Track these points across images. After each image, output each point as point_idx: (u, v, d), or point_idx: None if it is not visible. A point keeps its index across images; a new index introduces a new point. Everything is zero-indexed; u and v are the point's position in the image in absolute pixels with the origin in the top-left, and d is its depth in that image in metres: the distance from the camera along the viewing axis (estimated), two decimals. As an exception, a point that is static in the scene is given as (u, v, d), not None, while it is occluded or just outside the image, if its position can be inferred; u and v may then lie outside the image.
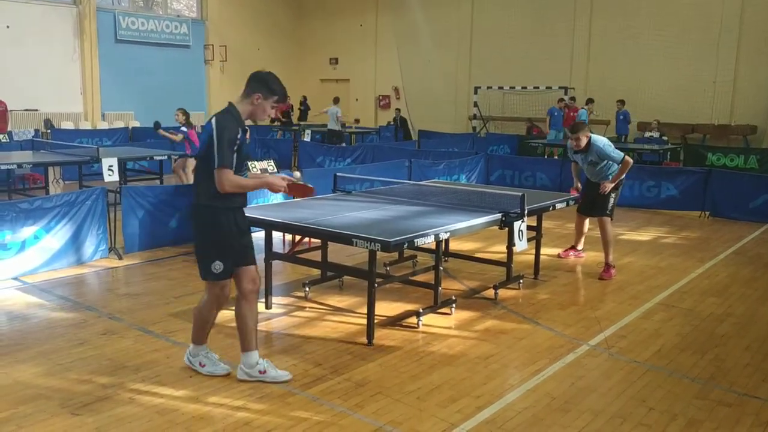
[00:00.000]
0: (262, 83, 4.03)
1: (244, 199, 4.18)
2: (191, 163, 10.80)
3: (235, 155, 3.89)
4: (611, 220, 7.09)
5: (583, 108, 16.88)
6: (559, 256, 7.66)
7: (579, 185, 7.48)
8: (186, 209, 7.85)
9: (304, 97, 22.08)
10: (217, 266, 4.05)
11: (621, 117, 17.06)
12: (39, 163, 10.00)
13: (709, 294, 6.37)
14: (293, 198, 4.39)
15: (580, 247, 7.80)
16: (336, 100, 18.74)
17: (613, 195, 7.03)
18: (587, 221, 7.60)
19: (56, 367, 4.38)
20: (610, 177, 6.98)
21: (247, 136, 4.09)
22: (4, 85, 17.86)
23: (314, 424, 3.68)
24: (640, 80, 18.23)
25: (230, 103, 4.08)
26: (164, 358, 4.55)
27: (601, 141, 6.96)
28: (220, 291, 4.19)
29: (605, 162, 6.91)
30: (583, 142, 6.86)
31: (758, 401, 4.12)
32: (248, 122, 4.13)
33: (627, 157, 6.95)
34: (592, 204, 7.13)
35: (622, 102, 17.12)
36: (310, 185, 4.41)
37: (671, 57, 17.84)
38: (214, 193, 3.91)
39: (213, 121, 3.92)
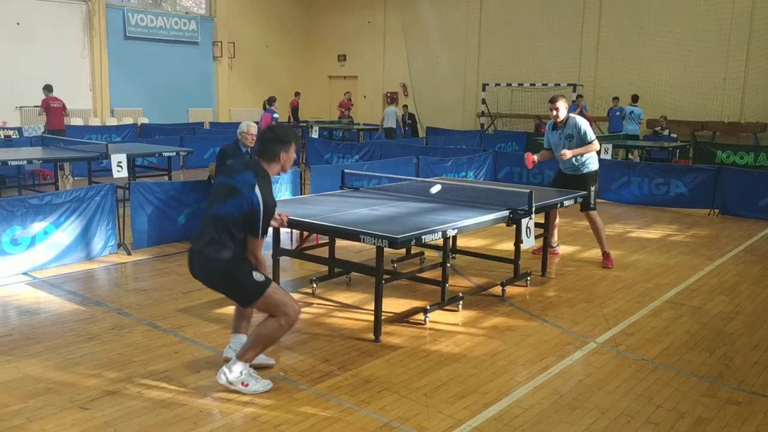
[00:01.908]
0: (278, 142, 4.03)
1: None
2: None
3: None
4: (596, 211, 7.17)
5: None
6: (533, 252, 7.41)
7: (535, 159, 7.26)
8: (194, 205, 7.90)
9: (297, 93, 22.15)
10: (257, 275, 3.94)
11: (617, 113, 16.99)
12: (49, 159, 10.04)
13: (718, 292, 6.34)
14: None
15: (554, 243, 7.60)
16: (392, 101, 19.55)
17: (593, 188, 7.10)
18: (557, 214, 7.49)
19: (65, 361, 4.41)
20: (582, 165, 7.06)
21: None
22: (14, 82, 17.99)
23: (321, 420, 3.70)
24: (649, 77, 18.15)
25: (262, 167, 4.02)
26: (173, 353, 4.58)
27: (580, 118, 7.08)
28: (289, 298, 4.03)
29: (576, 143, 6.94)
30: (562, 112, 6.98)
31: (767, 400, 4.10)
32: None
33: (596, 144, 6.99)
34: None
35: (616, 99, 17.08)
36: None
37: (681, 54, 17.74)
38: (236, 251, 3.92)
39: (258, 192, 3.85)
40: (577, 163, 7.10)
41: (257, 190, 3.86)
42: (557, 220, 7.66)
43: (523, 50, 20.63)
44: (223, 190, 3.99)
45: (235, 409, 3.81)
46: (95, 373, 4.23)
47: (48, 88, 14.21)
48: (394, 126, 18.63)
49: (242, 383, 3.99)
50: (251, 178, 3.90)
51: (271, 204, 3.95)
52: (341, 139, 18.38)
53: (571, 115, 7.07)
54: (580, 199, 6.83)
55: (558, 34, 19.93)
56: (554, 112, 7.01)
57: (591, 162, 7.14)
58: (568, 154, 6.90)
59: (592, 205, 7.12)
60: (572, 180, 7.16)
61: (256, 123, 8.01)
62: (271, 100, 14.13)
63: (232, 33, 23.61)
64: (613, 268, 7.13)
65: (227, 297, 4.20)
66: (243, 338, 4.29)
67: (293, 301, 4.05)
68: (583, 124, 6.99)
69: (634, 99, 16.58)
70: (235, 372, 3.98)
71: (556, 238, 7.69)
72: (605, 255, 7.23)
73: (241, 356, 4.01)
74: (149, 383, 4.10)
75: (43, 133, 13.82)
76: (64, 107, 14.32)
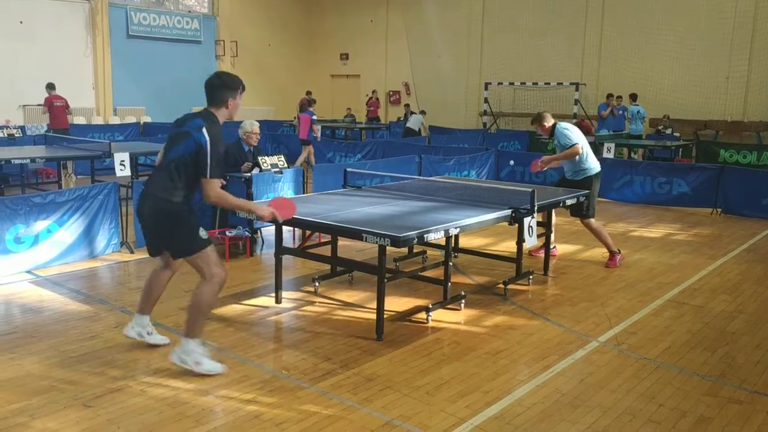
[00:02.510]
0: (225, 88, 4.19)
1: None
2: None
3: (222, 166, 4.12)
4: (593, 218, 7.10)
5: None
6: (530, 253, 7.33)
7: (540, 163, 7.29)
8: (197, 203, 7.89)
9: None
10: (203, 232, 4.14)
11: (620, 112, 16.95)
12: (52, 157, 10.07)
13: (721, 291, 6.34)
14: (280, 220, 4.46)
15: (552, 244, 7.44)
16: (423, 113, 19.80)
17: (592, 195, 7.02)
18: (554, 216, 7.41)
19: (69, 359, 4.42)
20: (580, 171, 7.04)
21: None
22: (17, 80, 18.02)
23: (324, 418, 3.70)
24: (652, 76, 18.11)
25: (210, 112, 4.18)
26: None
27: (562, 125, 7.10)
28: (217, 262, 4.17)
29: (561, 149, 6.99)
30: (542, 129, 7.19)
31: (769, 399, 4.10)
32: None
33: (576, 147, 6.86)
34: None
35: (620, 98, 17.02)
36: (293, 203, 4.58)
37: (684, 53, 17.70)
38: (187, 194, 4.11)
39: (205, 132, 4.01)
40: (574, 169, 7.08)
41: (204, 130, 4.01)
42: (554, 219, 7.54)
43: (525, 49, 20.61)
44: (174, 137, 4.16)
45: (238, 407, 3.82)
46: (98, 371, 4.25)
47: (50, 86, 14.22)
48: (417, 129, 18.84)
49: (195, 362, 4.14)
50: (200, 121, 4.07)
51: (218, 141, 4.04)
52: (344, 138, 18.39)
53: (559, 123, 7.11)
54: (582, 198, 6.81)
55: (560, 32, 19.90)
56: (539, 130, 7.29)
57: (587, 168, 7.03)
58: (539, 165, 7.12)
59: (584, 212, 6.98)
60: (572, 185, 7.12)
61: (258, 122, 8.03)
62: (310, 102, 14.75)
63: (234, 32, 23.62)
64: (616, 268, 7.10)
65: (165, 245, 4.30)
66: (146, 320, 4.57)
67: (223, 268, 4.21)
68: (564, 131, 6.96)
69: (635, 98, 16.49)
70: (186, 349, 4.13)
71: (553, 238, 7.61)
72: (611, 254, 7.18)
73: (188, 334, 4.16)
74: (152, 381, 4.11)
75: (47, 131, 13.85)
76: (67, 105, 14.33)
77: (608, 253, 7.22)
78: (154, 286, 4.55)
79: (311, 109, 14.49)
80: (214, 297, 4.19)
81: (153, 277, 4.56)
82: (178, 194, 4.06)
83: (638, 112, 16.15)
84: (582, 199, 6.76)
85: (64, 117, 14.26)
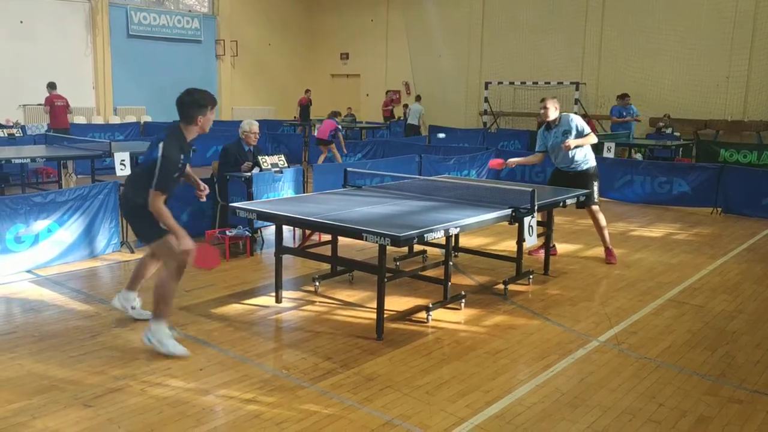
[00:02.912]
0: (195, 106, 4.47)
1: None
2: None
3: (171, 181, 4.42)
4: (598, 206, 7.22)
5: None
6: (529, 253, 7.27)
7: (509, 162, 7.40)
8: (197, 203, 7.90)
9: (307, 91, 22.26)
10: (162, 224, 4.47)
11: (624, 113, 16.91)
12: (52, 157, 10.07)
13: (721, 291, 6.34)
14: (194, 265, 4.68)
15: (551, 242, 7.39)
16: (418, 98, 19.81)
17: (595, 183, 7.15)
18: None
19: (69, 358, 4.42)
20: (582, 162, 7.10)
21: (191, 155, 4.65)
22: (17, 80, 18.04)
23: (324, 418, 3.71)
24: (652, 75, 18.12)
25: (178, 128, 4.52)
26: (175, 351, 4.59)
27: (572, 115, 7.17)
28: (175, 251, 4.45)
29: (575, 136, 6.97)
30: (551, 112, 7.00)
31: (769, 398, 4.10)
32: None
33: (593, 136, 7.06)
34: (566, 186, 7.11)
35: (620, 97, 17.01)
36: (217, 252, 4.81)
37: (684, 52, 17.70)
38: (146, 197, 4.41)
39: (161, 147, 4.34)
40: (576, 160, 7.10)
41: (161, 146, 4.34)
42: (601, 220, 7.46)
43: (525, 48, 20.62)
44: (150, 144, 4.61)
45: (238, 406, 3.82)
46: (99, 370, 4.25)
47: (51, 86, 14.21)
48: (417, 123, 18.85)
49: (159, 341, 4.45)
50: (163, 136, 4.44)
51: (170, 158, 4.32)
52: (344, 138, 18.37)
53: (564, 113, 7.14)
54: (582, 198, 6.82)
55: (561, 32, 19.91)
56: (542, 111, 7.04)
57: (590, 158, 7.19)
58: (572, 143, 6.86)
59: (595, 200, 7.15)
60: (572, 177, 7.15)
61: (257, 121, 8.03)
62: (336, 114, 15.04)
63: (234, 31, 23.62)
64: (616, 264, 7.19)
65: (134, 234, 4.91)
66: (131, 295, 5.09)
67: (180, 257, 4.50)
68: (576, 119, 7.06)
69: (622, 97, 16.46)
70: (152, 330, 4.47)
71: (606, 237, 7.48)
72: (608, 251, 7.32)
73: (154, 316, 4.51)
74: (152, 381, 4.12)
75: (47, 131, 13.84)
76: (67, 105, 14.33)
77: (605, 249, 7.34)
78: (141, 268, 5.09)
79: (336, 119, 14.69)
80: (171, 282, 4.52)
81: (142, 261, 5.14)
82: (143, 195, 4.41)
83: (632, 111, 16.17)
84: (582, 198, 6.79)
85: (64, 117, 14.25)
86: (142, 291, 5.21)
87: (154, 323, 4.50)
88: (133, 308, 5.11)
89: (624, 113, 15.33)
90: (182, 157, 4.49)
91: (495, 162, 7.44)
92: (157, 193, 4.31)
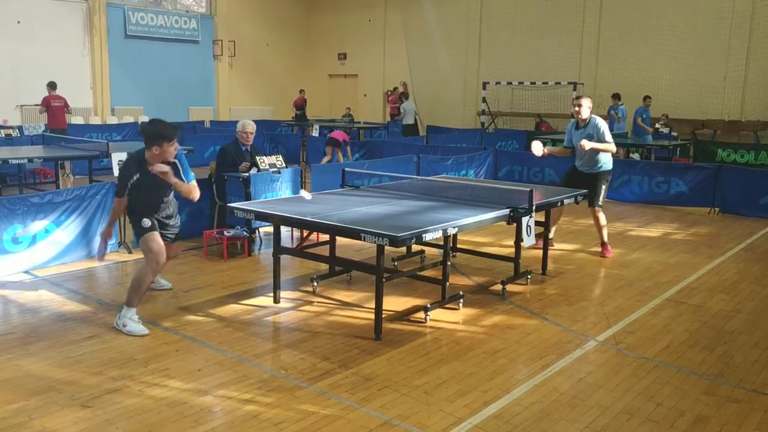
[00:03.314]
0: (155, 137, 4.93)
1: (155, 208, 5.25)
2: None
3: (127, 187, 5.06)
4: (601, 208, 7.50)
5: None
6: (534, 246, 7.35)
7: (545, 151, 7.62)
8: (195, 203, 7.89)
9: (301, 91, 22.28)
10: (146, 222, 5.06)
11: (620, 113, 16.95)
12: (49, 157, 10.05)
13: (718, 290, 6.35)
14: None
15: (551, 236, 7.59)
16: (406, 96, 19.81)
17: (603, 186, 7.46)
18: (562, 210, 7.72)
19: (67, 359, 4.42)
20: (598, 164, 7.40)
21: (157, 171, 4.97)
22: (15, 80, 18.00)
23: (322, 418, 3.70)
24: (650, 75, 18.12)
25: (142, 150, 5.06)
26: (173, 351, 4.58)
27: (600, 119, 7.46)
28: (157, 245, 5.04)
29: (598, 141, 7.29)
30: (584, 111, 7.33)
31: (766, 398, 4.11)
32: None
33: (613, 146, 7.39)
34: (578, 187, 7.26)
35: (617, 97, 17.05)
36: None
37: (681, 52, 17.72)
38: (135, 200, 5.16)
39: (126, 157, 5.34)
40: (593, 162, 7.41)
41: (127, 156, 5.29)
42: (560, 216, 7.92)
43: (523, 48, 20.62)
44: None
45: (236, 407, 3.82)
46: (96, 371, 4.24)
47: (51, 86, 14.18)
48: (413, 122, 18.89)
49: (123, 324, 4.88)
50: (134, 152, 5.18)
51: (121, 173, 5.15)
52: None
53: (593, 116, 7.42)
54: (580, 198, 6.84)
55: (559, 32, 19.92)
56: (576, 109, 7.38)
57: (607, 162, 7.48)
58: (587, 144, 7.16)
59: (599, 203, 7.40)
60: (585, 177, 7.45)
61: (255, 121, 8.03)
62: (347, 130, 15.44)
63: (232, 31, 23.60)
64: (610, 257, 7.41)
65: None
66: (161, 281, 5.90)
67: (161, 255, 5.04)
68: (603, 125, 7.37)
69: (619, 98, 16.51)
70: (121, 314, 4.94)
71: (603, 235, 7.63)
72: (604, 245, 7.59)
73: (126, 302, 4.96)
74: (150, 381, 4.11)
75: (44, 131, 13.81)
76: (66, 105, 14.29)
77: (601, 244, 7.60)
78: (140, 278, 5.23)
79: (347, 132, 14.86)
80: (147, 275, 4.99)
81: (138, 269, 5.31)
82: (133, 200, 5.15)
83: (624, 112, 16.23)
84: (580, 199, 6.82)
85: (62, 117, 14.22)
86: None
87: (124, 309, 4.97)
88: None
89: (643, 116, 15.08)
90: (137, 171, 5.03)
91: (537, 146, 7.54)
92: (116, 198, 5.19)
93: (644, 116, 15.08)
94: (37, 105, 15.17)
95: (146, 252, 5.05)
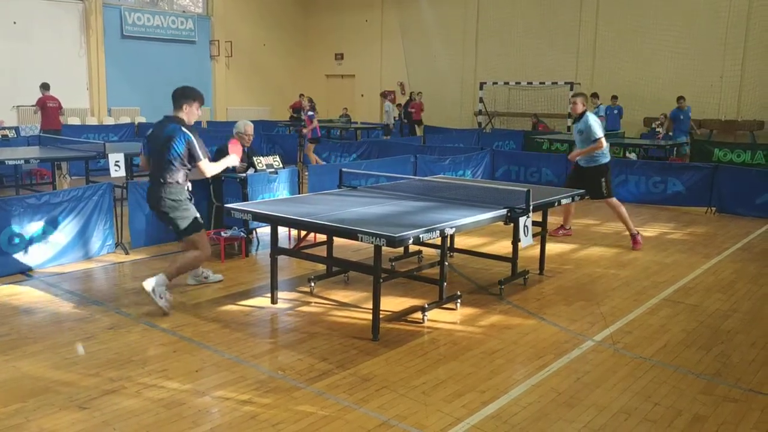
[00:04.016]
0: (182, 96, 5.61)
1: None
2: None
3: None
4: (613, 197, 8.01)
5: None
6: (549, 234, 7.90)
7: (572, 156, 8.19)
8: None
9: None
10: (198, 216, 5.58)
11: (615, 112, 17.02)
12: (46, 158, 10.03)
13: (715, 290, 6.36)
14: None
15: (568, 225, 8.52)
16: (385, 96, 20.08)
17: (603, 179, 7.88)
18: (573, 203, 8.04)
19: (64, 360, 4.41)
20: (594, 158, 7.86)
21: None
22: (11, 81, 17.96)
23: (320, 419, 3.70)
24: (646, 75, 18.19)
25: (178, 118, 5.53)
26: (171, 353, 4.58)
27: (593, 116, 7.82)
28: (207, 242, 5.65)
29: (585, 137, 7.77)
30: (579, 107, 7.78)
31: (764, 397, 4.12)
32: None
33: (602, 141, 7.72)
34: (580, 186, 7.67)
35: (615, 97, 17.14)
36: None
37: (678, 52, 17.77)
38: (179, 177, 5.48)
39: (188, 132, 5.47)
40: (589, 157, 7.89)
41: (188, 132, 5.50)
42: (573, 207, 8.39)
43: (520, 49, 20.65)
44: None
45: (234, 407, 3.82)
46: (94, 372, 4.24)
47: (45, 86, 14.15)
48: (388, 122, 19.04)
49: (159, 294, 5.27)
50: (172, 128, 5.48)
51: (195, 141, 5.51)
52: (339, 138, 18.38)
53: (588, 112, 7.82)
54: (578, 198, 6.86)
55: (555, 32, 19.96)
56: (571, 105, 7.88)
57: (602, 156, 7.90)
58: (571, 157, 7.84)
59: (605, 193, 7.90)
60: (587, 171, 7.90)
61: (252, 122, 8.02)
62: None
63: (229, 32, 23.59)
64: (640, 249, 7.82)
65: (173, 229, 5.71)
66: (199, 270, 6.08)
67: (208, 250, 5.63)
68: (593, 122, 7.71)
69: (597, 96, 16.74)
70: (159, 283, 5.29)
71: (628, 223, 8.09)
72: (633, 237, 7.94)
73: (167, 274, 5.37)
74: (148, 382, 4.11)
75: (40, 132, 13.78)
76: (60, 107, 14.26)
77: (631, 236, 7.98)
78: (186, 260, 5.68)
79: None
80: (196, 261, 5.62)
81: (186, 254, 5.72)
82: (172, 182, 5.54)
83: (606, 110, 16.38)
84: (578, 198, 6.84)
85: (56, 118, 14.18)
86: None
87: (162, 277, 5.30)
88: (206, 278, 6.16)
89: (681, 117, 15.30)
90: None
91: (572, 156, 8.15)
92: (203, 162, 5.48)
93: (681, 117, 15.35)
94: (32, 106, 15.13)
95: (197, 247, 5.55)
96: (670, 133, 15.57)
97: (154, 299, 5.25)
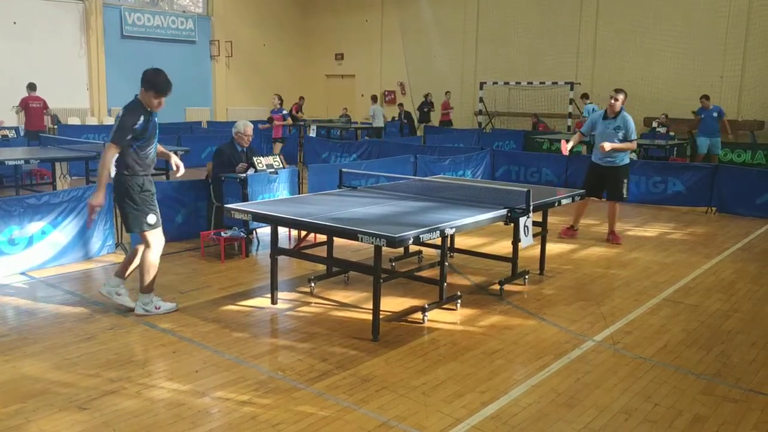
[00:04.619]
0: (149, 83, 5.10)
1: (149, 167, 5.27)
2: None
3: (129, 137, 5.01)
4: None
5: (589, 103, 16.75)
6: (560, 236, 8.26)
7: (570, 145, 8.03)
8: (192, 204, 7.91)
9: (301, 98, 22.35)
10: (151, 218, 5.15)
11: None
12: (46, 158, 10.03)
13: (716, 290, 6.36)
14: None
15: (576, 226, 8.51)
16: (375, 99, 19.88)
17: (626, 180, 8.00)
18: (588, 203, 8.26)
19: (64, 361, 4.41)
20: (619, 157, 7.90)
21: (156, 125, 5.28)
22: (11, 81, 17.93)
23: (319, 419, 3.70)
24: (647, 75, 18.16)
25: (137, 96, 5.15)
26: (171, 353, 4.58)
27: (629, 116, 7.92)
28: (160, 242, 5.28)
29: (622, 136, 7.81)
30: (619, 104, 7.81)
31: (764, 397, 4.12)
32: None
33: (635, 144, 7.97)
34: (600, 187, 8.04)
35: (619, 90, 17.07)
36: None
37: (678, 51, 17.75)
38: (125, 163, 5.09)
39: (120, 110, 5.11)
40: (615, 156, 7.89)
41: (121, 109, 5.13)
42: (617, 211, 8.30)
43: (520, 49, 20.65)
44: None
45: (234, 408, 3.81)
46: (94, 373, 4.23)
47: (31, 87, 14.17)
48: (382, 125, 19.03)
49: (156, 307, 5.22)
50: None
51: (123, 121, 5.04)
52: (339, 138, 18.38)
53: (626, 112, 7.88)
54: (578, 198, 6.85)
55: (555, 32, 19.94)
56: (613, 101, 7.80)
57: (626, 156, 8.02)
58: (607, 147, 7.69)
59: (624, 196, 8.07)
60: (607, 171, 7.94)
61: (252, 122, 8.02)
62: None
63: (229, 32, 23.59)
64: (621, 244, 8.00)
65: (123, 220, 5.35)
66: (118, 281, 5.44)
67: (160, 249, 5.25)
68: (631, 122, 7.81)
69: (587, 97, 16.73)
70: (143, 302, 5.21)
71: (614, 226, 8.29)
72: (614, 234, 8.17)
73: (142, 289, 5.22)
74: (148, 383, 4.11)
75: (24, 132, 13.74)
76: (45, 107, 14.27)
77: (611, 234, 8.20)
78: (132, 255, 5.47)
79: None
80: (154, 256, 5.24)
81: (134, 250, 5.49)
82: (122, 166, 5.18)
83: (593, 110, 16.22)
84: (578, 198, 6.84)
85: (40, 118, 14.20)
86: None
87: (142, 296, 5.23)
88: (118, 295, 5.44)
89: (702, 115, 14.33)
90: (141, 117, 5.06)
91: (564, 146, 7.99)
92: (110, 144, 4.95)
93: (703, 116, 14.31)
94: (14, 106, 15.14)
95: (147, 244, 5.22)
96: (694, 132, 14.92)
97: (156, 314, 5.26)
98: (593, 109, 15.97)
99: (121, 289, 5.43)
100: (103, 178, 4.95)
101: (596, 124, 8.08)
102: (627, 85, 17.57)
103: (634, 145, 7.95)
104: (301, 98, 22.06)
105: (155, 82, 5.06)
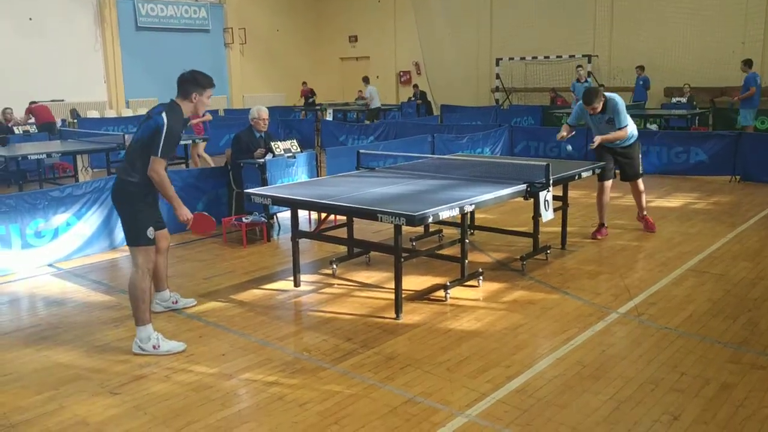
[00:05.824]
0: (193, 83, 4.55)
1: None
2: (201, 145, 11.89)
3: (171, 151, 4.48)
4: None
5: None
6: (596, 238, 7.13)
7: (564, 135, 7.25)
8: (212, 192, 7.97)
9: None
10: (151, 232, 4.43)
11: (641, 83, 16.75)
12: (67, 152, 10.17)
13: (741, 258, 6.28)
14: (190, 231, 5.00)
15: (605, 221, 7.31)
16: (367, 80, 19.68)
17: (639, 155, 7.23)
18: (609, 188, 7.26)
19: (94, 348, 4.49)
20: (627, 140, 7.05)
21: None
22: (29, 77, 18.14)
23: (346, 397, 3.74)
24: (665, 45, 17.83)
25: (175, 102, 4.56)
26: (197, 338, 4.64)
27: (618, 98, 6.97)
28: (150, 260, 4.51)
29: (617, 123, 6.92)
30: (599, 107, 6.85)
31: (793, 364, 4.08)
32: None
33: (628, 129, 6.92)
34: (618, 169, 7.24)
35: (641, 68, 16.83)
36: (212, 219, 5.47)
37: (697, 19, 17.39)
38: (143, 176, 4.37)
39: (164, 115, 4.36)
40: (625, 139, 7.02)
41: (164, 114, 4.36)
42: (642, 187, 7.33)
43: (536, 23, 20.36)
44: (141, 122, 4.56)
45: (261, 389, 3.87)
46: (123, 359, 4.32)
47: (34, 103, 14.74)
48: (379, 105, 18.97)
49: (153, 346, 4.36)
50: (161, 107, 4.47)
51: (173, 129, 4.36)
52: (356, 121, 18.36)
53: (607, 97, 6.90)
54: (598, 171, 6.78)
55: (571, 4, 19.62)
56: (591, 112, 6.90)
57: (634, 133, 7.12)
58: (597, 141, 6.87)
59: (642, 172, 7.29)
60: (619, 153, 7.10)
61: (268, 108, 8.03)
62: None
63: (242, 19, 23.56)
64: (655, 232, 7.28)
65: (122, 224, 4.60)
66: (165, 294, 5.15)
67: (151, 267, 4.52)
68: (620, 107, 6.86)
69: (641, 68, 16.48)
70: (140, 338, 4.39)
71: (644, 204, 7.44)
72: (644, 218, 7.41)
73: (137, 322, 4.41)
74: (176, 367, 4.17)
75: (36, 129, 13.97)
76: (48, 107, 14.73)
77: (642, 217, 7.43)
78: (156, 268, 4.89)
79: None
80: (143, 282, 4.41)
81: (132, 283, 4.51)
82: (134, 176, 4.38)
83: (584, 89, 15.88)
84: (598, 171, 6.76)
85: (48, 113, 14.52)
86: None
87: (138, 330, 4.40)
88: (175, 302, 5.21)
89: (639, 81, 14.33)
90: (182, 128, 4.68)
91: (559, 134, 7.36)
92: (159, 159, 4.31)
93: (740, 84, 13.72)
94: (53, 101, 15.34)
95: (137, 263, 4.43)
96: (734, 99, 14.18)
97: (154, 354, 4.36)
98: (642, 81, 15.45)
99: (173, 296, 5.21)
100: (172, 192, 4.48)
101: (585, 114, 7.13)
102: (646, 55, 17.39)
103: (624, 133, 6.90)
104: (304, 83, 22.11)
105: (198, 79, 4.55)
